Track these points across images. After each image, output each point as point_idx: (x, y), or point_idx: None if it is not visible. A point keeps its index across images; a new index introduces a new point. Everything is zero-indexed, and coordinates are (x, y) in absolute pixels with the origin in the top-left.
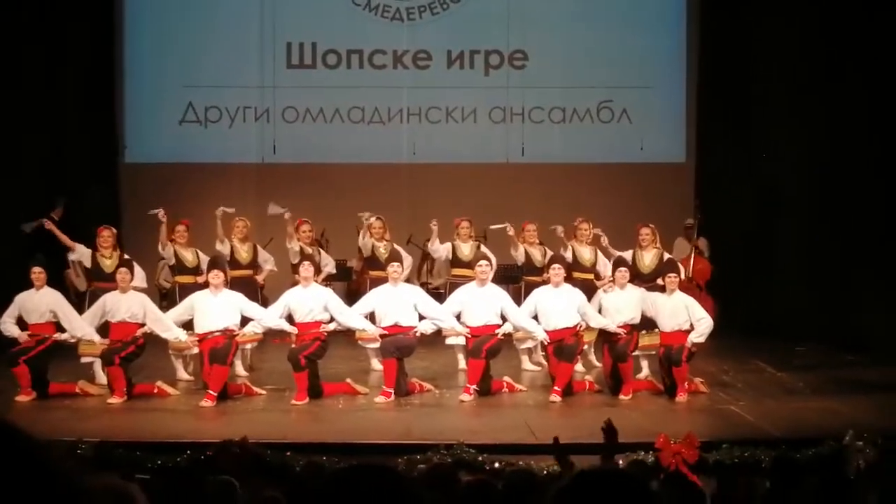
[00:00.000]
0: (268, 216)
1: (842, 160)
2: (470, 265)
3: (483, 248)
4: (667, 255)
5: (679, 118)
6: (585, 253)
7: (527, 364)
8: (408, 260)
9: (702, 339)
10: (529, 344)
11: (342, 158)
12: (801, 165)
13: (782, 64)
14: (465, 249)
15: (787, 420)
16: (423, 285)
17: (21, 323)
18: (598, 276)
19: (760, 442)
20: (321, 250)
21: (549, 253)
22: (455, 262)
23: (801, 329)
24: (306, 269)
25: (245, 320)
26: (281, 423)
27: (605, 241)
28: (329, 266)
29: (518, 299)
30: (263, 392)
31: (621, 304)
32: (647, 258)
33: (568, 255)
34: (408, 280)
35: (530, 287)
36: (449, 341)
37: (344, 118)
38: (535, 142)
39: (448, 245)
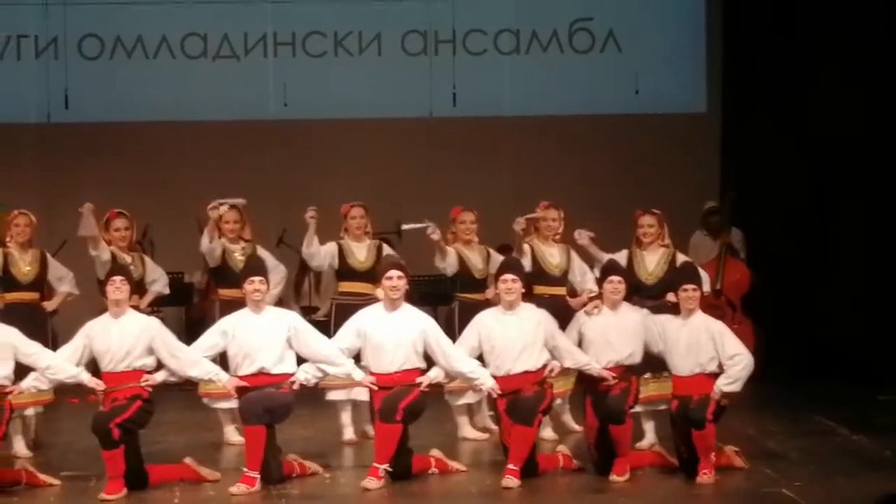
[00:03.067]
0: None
1: None
2: (368, 277)
3: (388, 251)
4: (682, 258)
5: (696, 46)
6: (553, 255)
7: (466, 430)
8: (278, 270)
9: (736, 387)
10: (470, 398)
11: (173, 115)
12: (876, 120)
13: None
14: (360, 252)
15: None
16: (304, 311)
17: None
18: (572, 292)
19: None
20: (145, 258)
21: (497, 257)
22: (344, 271)
23: (889, 367)
24: (119, 287)
25: (24, 369)
26: None
27: (585, 238)
28: (158, 283)
29: (451, 329)
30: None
31: (612, 335)
32: (651, 262)
33: (526, 261)
34: (279, 303)
35: (469, 309)
36: (333, 396)
37: (175, 52)
38: (473, 85)
39: (332, 246)
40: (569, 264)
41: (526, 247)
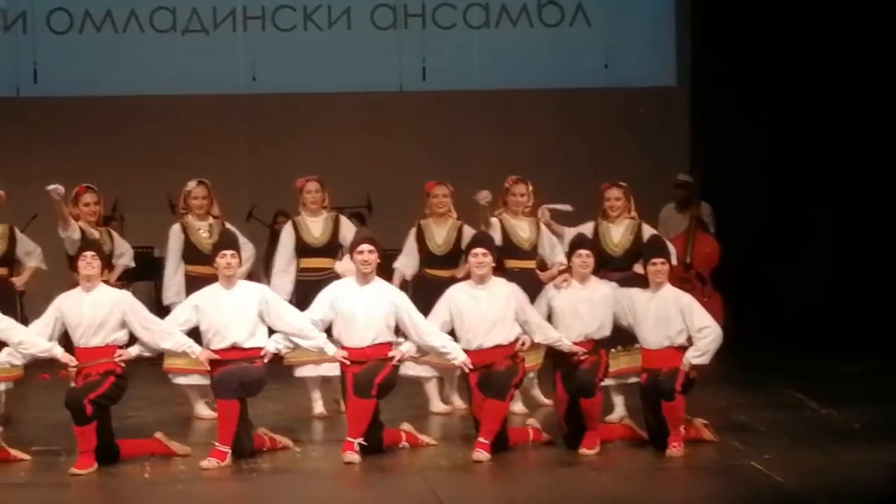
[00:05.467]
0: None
1: None
2: (327, 252)
3: (348, 224)
4: (648, 229)
5: (665, 20)
6: (523, 229)
7: (436, 404)
8: (247, 248)
9: (705, 360)
10: (438, 372)
11: (142, 89)
12: (843, 94)
13: None
14: (315, 228)
15: (836, 482)
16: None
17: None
18: (542, 265)
19: None
20: (113, 233)
21: (468, 231)
22: (300, 248)
23: (856, 339)
24: (90, 262)
25: None
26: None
27: (546, 215)
28: (125, 256)
29: (425, 304)
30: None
31: (581, 308)
32: (617, 234)
33: (496, 236)
34: (249, 276)
35: (437, 285)
36: (302, 372)
37: (144, 26)
38: (443, 59)
39: (287, 225)
40: (538, 238)
41: (495, 220)
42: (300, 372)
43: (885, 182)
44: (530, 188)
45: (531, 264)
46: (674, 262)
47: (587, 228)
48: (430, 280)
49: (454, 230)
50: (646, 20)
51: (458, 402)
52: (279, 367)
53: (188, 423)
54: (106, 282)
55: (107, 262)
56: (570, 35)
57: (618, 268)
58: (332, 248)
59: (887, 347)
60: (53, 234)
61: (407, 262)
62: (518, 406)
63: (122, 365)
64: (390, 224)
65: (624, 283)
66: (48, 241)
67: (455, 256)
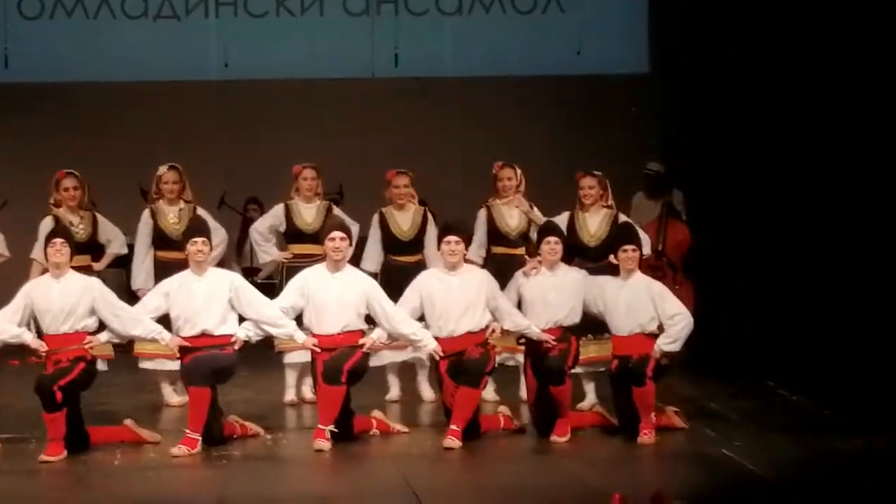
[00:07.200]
0: None
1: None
2: (317, 238)
3: (337, 211)
4: (624, 219)
5: (638, 6)
6: (511, 216)
7: (393, 390)
8: (219, 233)
9: (676, 347)
10: (406, 356)
11: (114, 75)
12: (818, 81)
13: None
14: (308, 214)
15: (807, 468)
16: (246, 272)
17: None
18: (531, 250)
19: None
20: (99, 218)
21: (433, 221)
22: (291, 233)
23: (826, 327)
24: (59, 250)
25: None
26: (21, 492)
27: (524, 203)
28: (115, 243)
29: (392, 290)
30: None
31: (551, 295)
32: (594, 223)
33: (482, 228)
34: (220, 265)
35: (403, 271)
36: (292, 357)
37: (115, 12)
38: (416, 45)
39: (278, 208)
40: (528, 224)
41: (482, 210)
42: (290, 358)
43: (860, 168)
44: (518, 172)
45: (519, 251)
46: (648, 251)
47: (562, 219)
48: (396, 266)
49: (419, 215)
50: (618, 7)
51: (428, 393)
52: (249, 353)
53: (158, 410)
54: (86, 268)
55: (85, 248)
56: (543, 22)
57: (593, 258)
58: (324, 234)
59: (858, 335)
60: (23, 221)
61: (370, 259)
62: (489, 393)
63: (92, 351)
64: (362, 211)
65: (598, 272)
66: (17, 227)
67: (420, 242)
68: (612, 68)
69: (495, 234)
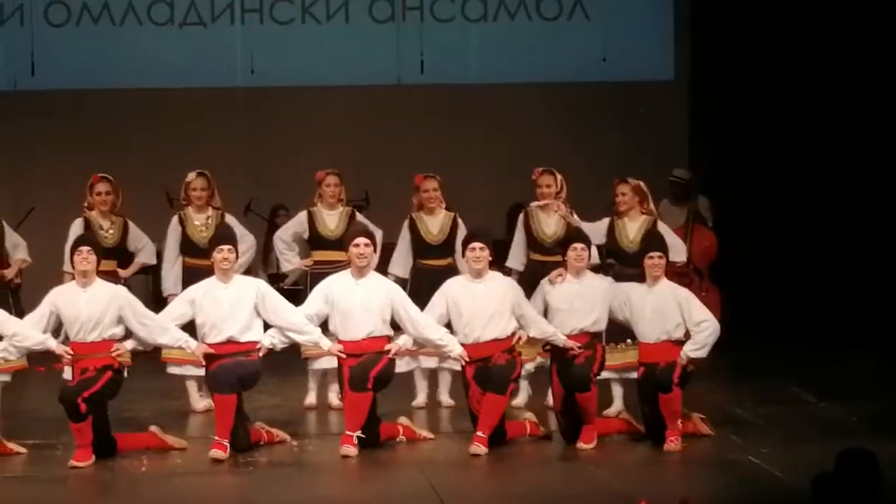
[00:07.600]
0: None
1: None
2: (341, 244)
3: (360, 218)
4: (662, 226)
5: (664, 13)
6: (548, 224)
7: (420, 397)
8: (246, 239)
9: (703, 353)
10: (435, 364)
11: (140, 82)
12: (842, 89)
13: None
14: (331, 221)
15: None
16: (271, 279)
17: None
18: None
19: None
20: (130, 225)
21: (463, 225)
22: (314, 240)
23: (855, 333)
24: (85, 258)
25: None
26: (49, 499)
27: (562, 207)
28: (144, 252)
29: (423, 294)
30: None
31: (577, 302)
32: (633, 229)
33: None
34: (247, 271)
35: (434, 274)
36: (320, 364)
37: (142, 19)
38: (441, 53)
39: (302, 215)
40: (565, 232)
41: (521, 217)
42: (317, 364)
43: (886, 176)
44: (559, 178)
45: (556, 258)
46: (683, 258)
47: (602, 224)
48: (426, 270)
49: (448, 219)
50: (644, 14)
51: (447, 400)
52: (276, 359)
53: (184, 416)
54: (112, 274)
55: (114, 253)
56: (568, 29)
57: (632, 264)
58: (348, 241)
59: (886, 341)
60: (51, 228)
61: (399, 264)
62: (518, 400)
63: (120, 360)
64: (388, 217)
65: (637, 279)
66: (44, 233)
67: (450, 246)
68: (637, 75)
69: (531, 242)
